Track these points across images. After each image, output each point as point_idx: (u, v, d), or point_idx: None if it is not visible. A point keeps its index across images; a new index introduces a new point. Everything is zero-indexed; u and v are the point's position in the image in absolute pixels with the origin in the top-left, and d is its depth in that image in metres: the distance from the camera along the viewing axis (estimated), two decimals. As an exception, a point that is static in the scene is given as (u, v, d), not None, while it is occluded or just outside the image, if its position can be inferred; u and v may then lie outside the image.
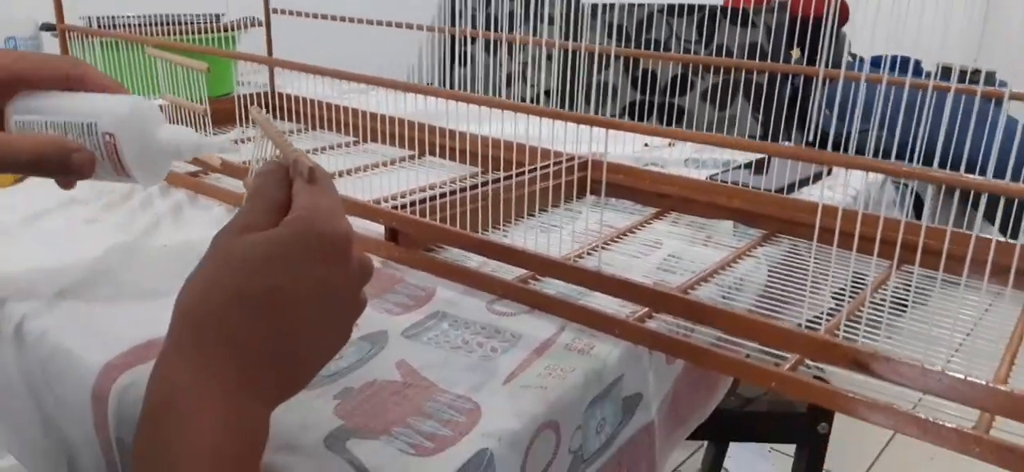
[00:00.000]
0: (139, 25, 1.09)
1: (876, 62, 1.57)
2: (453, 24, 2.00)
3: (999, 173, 0.43)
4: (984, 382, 0.40)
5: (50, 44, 1.28)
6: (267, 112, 0.54)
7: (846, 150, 0.50)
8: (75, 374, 0.51)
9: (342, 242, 0.38)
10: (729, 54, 1.43)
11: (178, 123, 0.80)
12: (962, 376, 0.40)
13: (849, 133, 0.60)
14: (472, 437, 0.43)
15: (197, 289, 0.36)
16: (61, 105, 0.51)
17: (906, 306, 0.54)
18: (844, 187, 0.86)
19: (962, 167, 0.47)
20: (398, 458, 0.41)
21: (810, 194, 0.81)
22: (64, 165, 0.50)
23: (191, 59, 0.69)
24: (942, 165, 0.47)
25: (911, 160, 0.55)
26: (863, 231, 0.49)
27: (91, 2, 1.13)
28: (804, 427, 1.08)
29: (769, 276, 0.64)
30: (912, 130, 0.58)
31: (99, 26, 1.01)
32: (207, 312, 0.35)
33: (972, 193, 0.44)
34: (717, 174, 0.81)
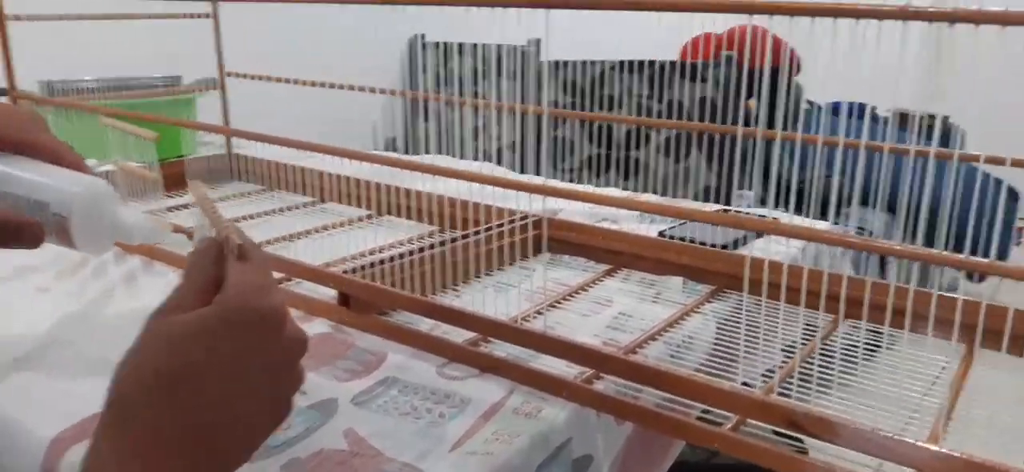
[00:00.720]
0: (98, 89, 1.09)
1: (835, 108, 1.61)
2: (414, 80, 2.03)
3: (961, 214, 0.44)
4: (914, 441, 0.41)
5: (5, 108, 1.27)
6: (220, 179, 0.54)
7: (807, 197, 0.52)
8: (25, 448, 0.50)
9: (272, 317, 0.36)
10: (680, 107, 1.47)
11: (129, 189, 0.80)
12: (890, 435, 0.42)
13: (803, 181, 0.62)
14: (417, 508, 0.43)
15: (124, 372, 0.35)
16: (12, 175, 0.49)
17: (853, 361, 0.56)
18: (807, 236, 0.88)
19: (920, 210, 0.49)
20: (341, 532, 0.41)
21: (764, 245, 0.83)
22: (15, 237, 0.47)
23: (141, 128, 0.70)
24: (906, 208, 0.48)
25: (873, 205, 0.57)
26: (810, 286, 0.51)
27: (50, 64, 1.13)
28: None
29: (718, 332, 0.65)
30: (873, 174, 0.59)
31: (54, 91, 1.01)
32: (131, 395, 0.34)
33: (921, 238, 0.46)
34: (666, 230, 0.83)
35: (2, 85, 1.25)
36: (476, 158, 1.76)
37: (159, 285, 0.75)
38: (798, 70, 1.67)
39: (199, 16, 1.01)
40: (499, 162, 1.82)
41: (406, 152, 1.35)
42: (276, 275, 0.70)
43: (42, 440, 0.49)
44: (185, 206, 0.95)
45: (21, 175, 0.49)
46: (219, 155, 1.07)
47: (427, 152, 1.47)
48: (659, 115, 1.47)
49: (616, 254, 0.79)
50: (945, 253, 0.44)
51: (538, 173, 0.79)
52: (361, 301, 0.65)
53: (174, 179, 0.96)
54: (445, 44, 1.95)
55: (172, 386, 0.34)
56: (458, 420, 0.51)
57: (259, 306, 0.36)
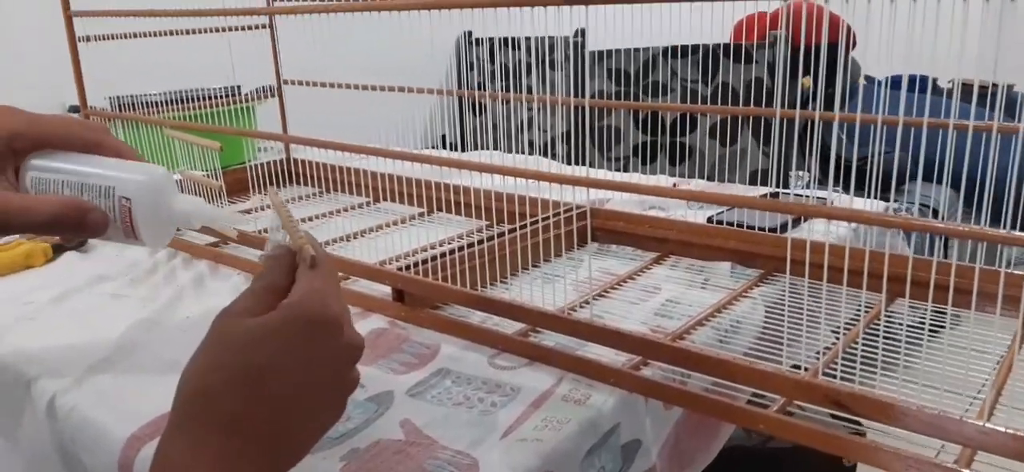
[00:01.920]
0: (163, 102, 1.14)
1: (895, 83, 1.57)
2: (463, 76, 2.05)
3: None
4: (958, 417, 0.41)
5: (79, 125, 1.34)
6: (280, 183, 0.57)
7: (868, 175, 0.52)
8: (103, 446, 0.54)
9: (332, 325, 0.39)
10: (733, 91, 1.45)
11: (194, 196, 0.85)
12: (936, 412, 0.42)
13: (866, 157, 0.61)
14: (469, 492, 0.45)
15: (195, 370, 0.39)
16: (79, 166, 0.52)
17: (915, 342, 0.55)
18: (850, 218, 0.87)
19: (988, 186, 0.48)
20: (398, 516, 0.43)
21: (814, 227, 0.82)
22: (79, 224, 0.49)
23: (205, 139, 0.73)
24: (969, 182, 0.48)
25: (936, 182, 0.56)
26: (858, 266, 0.51)
27: (117, 81, 1.19)
28: (829, 462, 1.07)
29: (766, 316, 0.65)
30: (936, 149, 0.58)
31: (122, 106, 1.06)
32: (203, 392, 0.38)
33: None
34: (714, 215, 0.83)
35: (75, 103, 1.32)
36: (527, 151, 1.78)
37: (226, 288, 0.78)
38: (854, 45, 1.63)
39: (256, 27, 1.05)
40: (551, 154, 1.83)
41: (457, 148, 1.37)
42: (339, 275, 0.73)
43: (119, 438, 0.53)
44: (249, 211, 1.00)
45: (88, 165, 0.52)
46: (279, 160, 1.12)
47: (477, 148, 1.49)
48: (708, 99, 1.45)
49: (663, 241, 0.79)
50: (999, 231, 0.43)
51: (585, 163, 0.80)
52: (415, 296, 0.68)
53: (237, 185, 1.00)
54: (491, 39, 1.97)
55: (247, 381, 0.37)
56: (509, 408, 0.53)
57: (320, 313, 0.39)
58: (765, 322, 0.65)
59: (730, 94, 1.41)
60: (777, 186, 1.00)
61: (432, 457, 0.48)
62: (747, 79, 1.46)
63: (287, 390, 0.38)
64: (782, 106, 1.10)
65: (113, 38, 0.99)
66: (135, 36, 1.00)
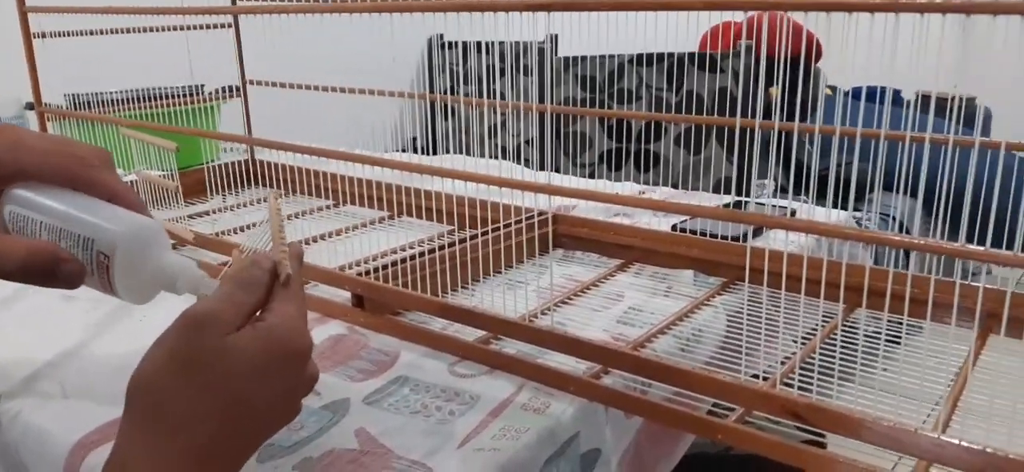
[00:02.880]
0: (122, 100, 1.12)
1: (857, 93, 1.60)
2: (432, 79, 2.04)
3: (985, 199, 0.44)
4: (914, 429, 0.41)
5: (35, 122, 1.31)
6: (243, 185, 0.56)
7: (833, 185, 0.52)
8: (49, 452, 0.52)
9: (303, 356, 0.42)
10: (700, 99, 1.46)
11: (152, 198, 0.83)
12: (891, 423, 0.42)
13: (825, 169, 0.62)
14: (424, 503, 0.44)
15: (158, 369, 0.39)
16: (60, 209, 0.46)
17: (871, 353, 0.56)
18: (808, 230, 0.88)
19: (945, 196, 0.48)
20: (350, 528, 0.42)
21: (776, 236, 0.83)
22: (51, 274, 0.45)
23: (160, 139, 0.72)
24: (928, 193, 0.48)
25: (897, 191, 0.57)
26: (818, 276, 0.51)
27: (75, 78, 1.16)
28: (795, 469, 1.08)
29: (728, 324, 0.65)
30: (896, 160, 0.59)
31: (78, 104, 1.03)
32: (163, 402, 0.38)
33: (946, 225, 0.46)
34: (678, 223, 0.83)
35: (31, 99, 1.28)
36: (494, 155, 1.77)
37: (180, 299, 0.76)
38: (819, 56, 1.65)
39: (219, 26, 1.03)
40: (522, 159, 1.83)
41: (426, 151, 1.37)
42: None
43: (64, 445, 0.51)
44: (206, 213, 0.98)
45: (68, 210, 0.46)
46: (242, 161, 1.09)
47: (448, 151, 1.48)
48: (677, 107, 1.46)
49: (628, 249, 0.79)
50: (954, 245, 0.43)
51: (555, 169, 0.80)
52: (375, 302, 0.67)
53: (196, 186, 0.98)
54: (463, 43, 1.96)
55: (217, 395, 0.39)
56: (467, 417, 0.52)
57: (296, 345, 0.42)
58: (727, 331, 0.65)
59: (697, 102, 1.42)
60: (741, 194, 1.01)
61: (387, 467, 0.47)
62: (714, 88, 1.47)
63: (249, 413, 0.40)
64: (747, 115, 1.10)
65: (70, 35, 0.97)
66: (92, 33, 0.97)
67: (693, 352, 0.62)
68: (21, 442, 0.55)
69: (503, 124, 1.82)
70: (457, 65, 2.04)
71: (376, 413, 0.53)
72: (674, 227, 0.81)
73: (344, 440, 0.50)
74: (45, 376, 0.61)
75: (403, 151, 1.78)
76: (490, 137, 1.78)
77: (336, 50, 1.54)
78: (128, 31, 0.99)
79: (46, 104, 0.94)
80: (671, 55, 1.49)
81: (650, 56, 1.47)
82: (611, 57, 1.51)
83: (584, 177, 1.05)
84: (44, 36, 0.94)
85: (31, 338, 0.67)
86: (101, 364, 0.62)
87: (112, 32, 0.98)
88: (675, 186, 1.10)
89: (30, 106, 1.30)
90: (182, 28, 1.00)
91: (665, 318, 0.64)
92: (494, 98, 1.01)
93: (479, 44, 1.95)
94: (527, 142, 1.79)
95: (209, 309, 0.40)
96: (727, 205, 0.96)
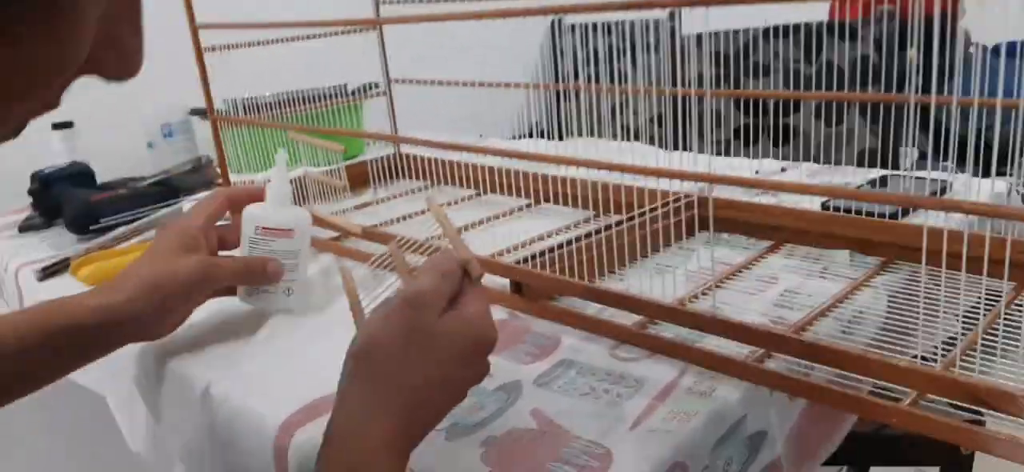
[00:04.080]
0: (276, 103, 1.21)
1: (1010, 49, 1.49)
2: (556, 63, 2.06)
3: None
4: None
5: (200, 128, 1.43)
6: (392, 177, 0.61)
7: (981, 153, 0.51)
8: (258, 431, 0.58)
9: (491, 346, 0.50)
10: (838, 70, 1.41)
11: (319, 194, 0.90)
12: (1088, 408, 0.41)
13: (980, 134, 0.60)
14: (606, 480, 0.47)
15: (383, 342, 0.46)
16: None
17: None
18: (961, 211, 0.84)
19: None
20: (540, 502, 0.46)
21: (935, 214, 0.80)
22: (263, 273, 0.71)
23: (329, 141, 0.78)
24: None
25: None
26: (980, 253, 0.50)
27: (229, 84, 1.26)
28: (949, 449, 1.04)
29: (889, 306, 0.64)
30: None
31: (237, 108, 1.12)
32: (389, 365, 0.46)
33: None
34: (829, 201, 0.81)
35: (195, 106, 1.40)
36: (620, 137, 1.76)
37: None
38: (963, 14, 1.55)
39: (362, 30, 1.10)
40: (649, 138, 1.82)
41: (549, 136, 1.39)
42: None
43: (273, 424, 0.58)
44: (365, 205, 1.04)
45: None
46: (389, 155, 1.16)
47: (569, 135, 1.49)
48: (812, 79, 1.42)
49: (777, 229, 0.79)
50: None
51: (684, 148, 0.80)
52: (533, 288, 0.70)
53: (356, 179, 1.05)
54: (584, 25, 1.97)
55: (425, 377, 0.47)
56: (634, 400, 0.55)
57: (489, 337, 0.49)
58: (888, 312, 0.64)
59: (836, 73, 1.37)
60: (886, 167, 0.98)
61: (566, 446, 0.51)
62: (853, 57, 1.41)
63: (448, 383, 0.48)
64: (888, 87, 1.06)
65: (233, 48, 1.05)
66: (250, 45, 1.06)
67: (854, 334, 0.62)
68: (233, 422, 0.62)
69: (628, 103, 1.82)
70: (578, 48, 2.05)
71: (548, 394, 0.57)
72: (825, 206, 0.80)
73: (522, 420, 0.54)
74: (245, 361, 0.68)
75: (529, 136, 1.82)
76: (614, 117, 1.78)
77: (461, 40, 1.59)
78: (283, 41, 1.07)
79: (218, 111, 1.03)
80: (807, 25, 1.44)
81: (783, 28, 1.43)
82: (741, 31, 1.49)
83: (716, 155, 1.04)
84: (213, 50, 1.02)
85: (225, 328, 0.75)
86: (292, 350, 0.69)
87: (271, 43, 1.06)
88: (815, 160, 1.07)
89: (195, 111, 1.42)
90: (330, 35, 1.07)
91: (824, 300, 0.64)
92: (617, 80, 1.02)
93: (599, 26, 1.96)
94: (651, 120, 1.77)
95: (424, 291, 0.47)
96: (874, 181, 0.94)
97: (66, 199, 1.09)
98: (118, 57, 0.34)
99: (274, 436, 0.57)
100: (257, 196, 0.74)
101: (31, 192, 1.18)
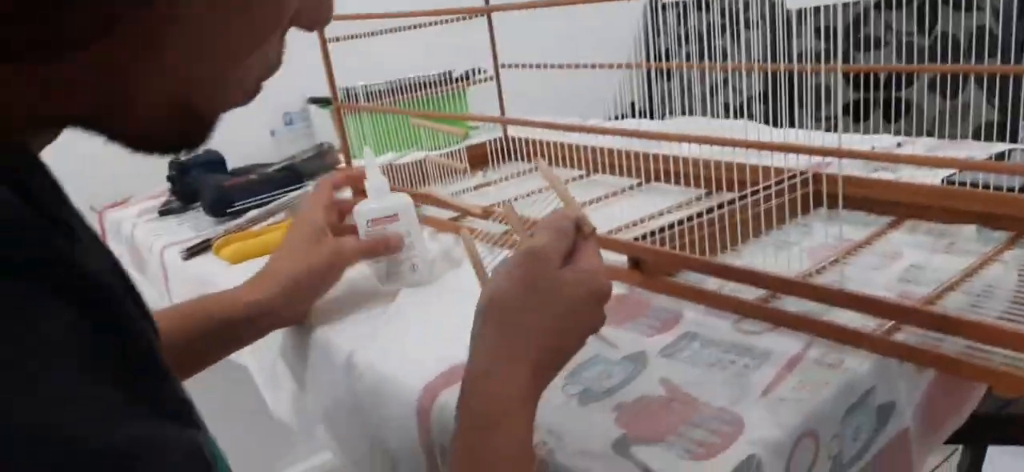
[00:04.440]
0: (388, 90, 1.26)
1: None
2: (652, 41, 2.06)
3: None
4: None
5: (318, 115, 1.50)
6: (501, 159, 0.65)
7: None
8: (401, 396, 0.63)
9: (606, 298, 0.52)
10: (954, 41, 1.35)
11: (440, 175, 0.94)
12: None
13: None
14: (740, 444, 0.49)
15: (508, 296, 0.49)
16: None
17: None
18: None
19: None
20: (678, 462, 0.48)
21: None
22: (385, 247, 0.79)
23: (452, 126, 0.82)
24: None
25: None
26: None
27: (344, 74, 1.33)
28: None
29: (1020, 280, 0.64)
30: None
31: (356, 96, 1.18)
32: (517, 317, 0.49)
33: None
34: (953, 175, 0.80)
35: (313, 95, 1.48)
36: (721, 114, 1.76)
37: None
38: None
39: (467, 18, 1.13)
40: (749, 115, 1.80)
41: (646, 115, 1.40)
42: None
43: (415, 388, 0.62)
44: (487, 184, 1.08)
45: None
46: (497, 138, 1.20)
47: (667, 114, 1.49)
48: (928, 51, 1.37)
49: (896, 205, 0.78)
50: None
51: (790, 124, 0.80)
52: (651, 264, 0.72)
53: (472, 160, 1.10)
54: (682, 3, 1.96)
55: (549, 325, 0.49)
56: (762, 370, 0.57)
57: (603, 289, 0.51)
58: (1019, 286, 0.63)
59: (950, 44, 1.32)
60: (1007, 141, 0.95)
61: (697, 412, 0.53)
62: (970, 27, 1.36)
63: (568, 332, 0.51)
64: (1009, 54, 1.03)
65: (355, 38, 1.11)
66: (371, 35, 1.11)
67: (984, 308, 0.61)
68: (377, 387, 0.67)
69: (726, 82, 1.80)
70: (675, 26, 2.04)
71: (675, 364, 0.59)
72: (948, 181, 0.79)
73: (651, 388, 0.57)
74: (384, 331, 0.73)
75: (623, 117, 1.83)
76: (711, 96, 1.77)
77: (558, 21, 1.61)
78: (398, 31, 1.12)
79: (342, 100, 1.09)
80: (920, -4, 1.39)
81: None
82: (853, 4, 1.44)
83: (825, 131, 1.03)
84: (337, 40, 1.08)
85: (359, 301, 0.80)
86: (425, 321, 0.74)
87: (385, 32, 1.11)
88: (928, 134, 1.04)
89: (313, 100, 1.50)
90: (440, 23, 1.11)
91: (952, 275, 0.64)
92: (718, 58, 1.02)
93: (698, 1, 1.94)
94: (751, 99, 1.75)
95: (544, 245, 0.50)
96: (1000, 155, 0.91)
97: (202, 184, 1.18)
98: (313, 7, 0.40)
99: (417, 400, 0.62)
100: (355, 178, 0.83)
101: (169, 178, 1.28)
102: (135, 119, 0.36)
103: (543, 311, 0.49)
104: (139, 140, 0.38)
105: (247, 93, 0.40)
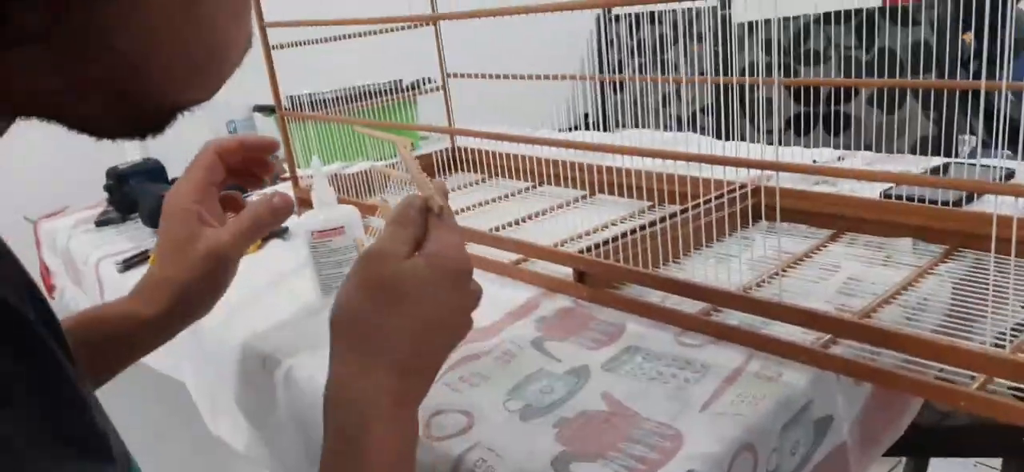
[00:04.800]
0: (335, 99, 1.24)
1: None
2: (603, 54, 2.07)
3: None
4: None
5: (263, 124, 1.47)
6: (448, 171, 0.64)
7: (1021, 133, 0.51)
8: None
9: (465, 273, 0.49)
10: (892, 55, 1.39)
11: (383, 185, 0.93)
12: None
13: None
14: (678, 459, 0.49)
15: (351, 305, 0.47)
16: None
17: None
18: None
19: None
20: (616, 480, 0.48)
21: (1001, 200, 0.80)
22: (272, 215, 0.70)
23: (397, 135, 0.80)
24: None
25: None
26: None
27: (291, 81, 1.30)
28: (1011, 440, 1.03)
29: (954, 293, 0.65)
30: None
31: (302, 105, 1.16)
32: (364, 326, 0.46)
33: None
34: (891, 189, 0.82)
35: (259, 103, 1.45)
36: (673, 127, 1.77)
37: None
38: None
39: (416, 27, 1.12)
40: (700, 128, 1.82)
41: (599, 127, 1.40)
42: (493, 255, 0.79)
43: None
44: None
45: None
46: (445, 149, 1.19)
47: (619, 126, 1.50)
48: (868, 66, 1.40)
49: (837, 218, 0.79)
50: None
51: (740, 137, 0.81)
52: (596, 277, 0.72)
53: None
54: (632, 15, 1.97)
55: (406, 325, 0.46)
56: (702, 384, 0.57)
57: (461, 264, 0.49)
58: (953, 299, 0.65)
59: (888, 59, 1.36)
60: (948, 154, 0.97)
61: (637, 427, 0.53)
62: (907, 42, 1.40)
63: (433, 328, 0.48)
64: (942, 73, 1.06)
65: (297, 45, 1.09)
66: (316, 42, 1.09)
67: (919, 321, 0.63)
68: (317, 403, 0.65)
69: (677, 93, 1.82)
70: (626, 38, 2.05)
71: (616, 378, 0.59)
72: (886, 195, 0.80)
73: (593, 402, 0.56)
74: (322, 347, 0.71)
75: (575, 128, 1.83)
76: (663, 107, 1.78)
77: (510, 31, 1.61)
78: (343, 38, 1.10)
79: (285, 108, 1.06)
80: (859, 11, 1.43)
81: (837, 14, 1.42)
82: (794, 18, 1.48)
83: (768, 145, 1.05)
84: (280, 47, 1.06)
85: (301, 313, 0.78)
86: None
87: (331, 40, 1.09)
88: (870, 148, 1.07)
89: (258, 108, 1.47)
90: (386, 31, 1.10)
91: (889, 288, 0.65)
92: (669, 70, 1.03)
93: (649, 15, 1.96)
94: (702, 110, 1.77)
95: (379, 245, 0.48)
96: (936, 169, 0.93)
97: (141, 194, 1.14)
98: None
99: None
100: (250, 145, 0.72)
101: (107, 188, 1.24)
102: (88, 106, 0.35)
103: (393, 315, 0.46)
104: (95, 127, 0.36)
105: (220, 75, 0.39)
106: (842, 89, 1.42)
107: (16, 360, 0.29)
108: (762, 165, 0.58)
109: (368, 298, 0.47)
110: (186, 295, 0.66)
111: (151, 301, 0.66)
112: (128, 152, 1.33)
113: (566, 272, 0.75)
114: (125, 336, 0.66)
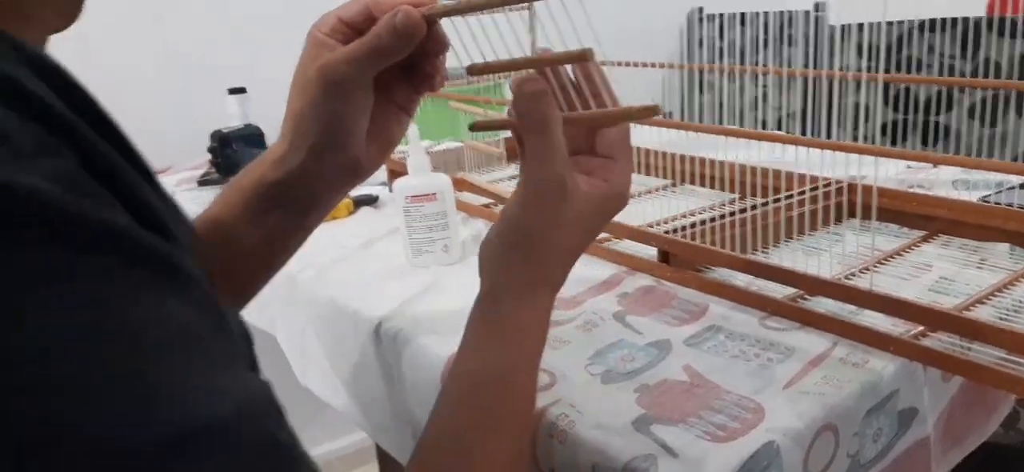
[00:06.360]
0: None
1: None
2: (692, 54, 2.06)
3: None
4: None
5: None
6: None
7: None
8: (428, 363, 0.64)
9: (623, 205, 0.53)
10: (997, 67, 1.34)
11: (476, 163, 0.96)
12: None
13: None
14: (759, 431, 0.49)
15: (531, 217, 0.50)
16: None
17: None
18: None
19: None
20: (696, 442, 0.49)
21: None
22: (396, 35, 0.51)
23: (491, 111, 0.83)
24: None
25: None
26: None
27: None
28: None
29: (1053, 299, 0.63)
30: None
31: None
32: (539, 239, 0.50)
33: None
34: (989, 195, 0.80)
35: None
36: (760, 129, 1.75)
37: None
38: None
39: (519, 8, 1.15)
40: (788, 132, 1.79)
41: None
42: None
43: (442, 357, 0.63)
44: (514, 177, 1.10)
45: None
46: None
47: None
48: (969, 75, 1.36)
49: (930, 220, 0.78)
50: None
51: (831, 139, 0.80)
52: (680, 258, 0.73)
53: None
54: (724, 15, 1.96)
55: (568, 241, 0.51)
56: (786, 364, 0.57)
57: (624, 204, 0.53)
58: (1052, 306, 0.63)
59: (993, 71, 1.31)
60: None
61: (718, 398, 0.53)
62: (1012, 54, 1.34)
63: (581, 246, 0.52)
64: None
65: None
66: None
67: (1014, 322, 0.61)
68: (403, 354, 0.68)
69: (765, 97, 1.80)
70: (716, 39, 2.04)
71: (698, 353, 0.60)
72: (984, 200, 0.78)
73: (674, 373, 0.57)
74: (413, 304, 0.74)
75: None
76: (751, 110, 1.76)
77: (601, 25, 1.62)
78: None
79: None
80: (965, 20, 1.38)
81: (941, 22, 1.38)
82: (895, 23, 1.44)
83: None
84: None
85: (391, 273, 0.82)
86: (453, 296, 0.75)
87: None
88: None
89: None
90: (486, 12, 1.12)
91: (983, 289, 0.64)
92: (757, 75, 1.02)
93: (741, 15, 1.93)
94: (789, 115, 1.75)
95: (558, 171, 0.49)
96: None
97: (242, 156, 1.20)
98: None
99: (442, 370, 0.63)
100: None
101: (210, 150, 1.31)
102: None
103: (566, 232, 0.50)
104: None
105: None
106: (941, 99, 1.38)
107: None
108: (859, 150, 0.58)
109: (551, 221, 0.49)
110: (303, 127, 0.54)
111: (274, 150, 0.56)
112: (230, 118, 1.39)
113: (650, 253, 0.76)
114: (277, 181, 0.56)
